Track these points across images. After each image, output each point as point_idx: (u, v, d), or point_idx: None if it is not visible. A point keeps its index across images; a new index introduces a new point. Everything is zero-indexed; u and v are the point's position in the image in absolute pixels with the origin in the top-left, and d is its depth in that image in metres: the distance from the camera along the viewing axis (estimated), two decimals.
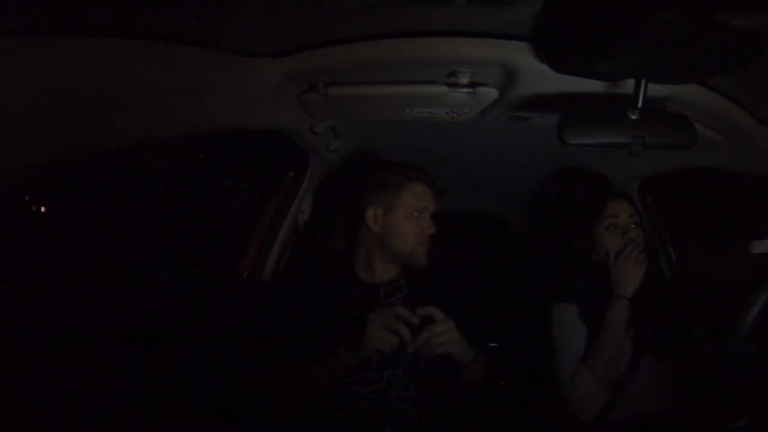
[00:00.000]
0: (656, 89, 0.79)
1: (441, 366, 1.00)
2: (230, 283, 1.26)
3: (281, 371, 0.97)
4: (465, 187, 1.81)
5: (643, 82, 0.74)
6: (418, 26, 0.72)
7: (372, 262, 1.09)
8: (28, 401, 0.69)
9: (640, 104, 0.74)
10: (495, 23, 0.70)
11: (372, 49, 0.76)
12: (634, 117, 0.75)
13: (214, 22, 0.63)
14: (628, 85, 0.78)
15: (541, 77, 0.78)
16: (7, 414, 0.65)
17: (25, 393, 0.69)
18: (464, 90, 0.85)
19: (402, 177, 1.08)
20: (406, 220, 1.05)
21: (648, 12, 0.53)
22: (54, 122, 0.55)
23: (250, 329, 1.22)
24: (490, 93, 0.87)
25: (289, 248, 1.38)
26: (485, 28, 0.72)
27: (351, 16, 0.69)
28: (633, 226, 1.13)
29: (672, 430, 0.97)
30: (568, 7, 0.62)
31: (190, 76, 0.68)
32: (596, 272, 1.15)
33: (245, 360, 1.15)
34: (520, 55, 0.75)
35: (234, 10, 0.61)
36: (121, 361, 0.84)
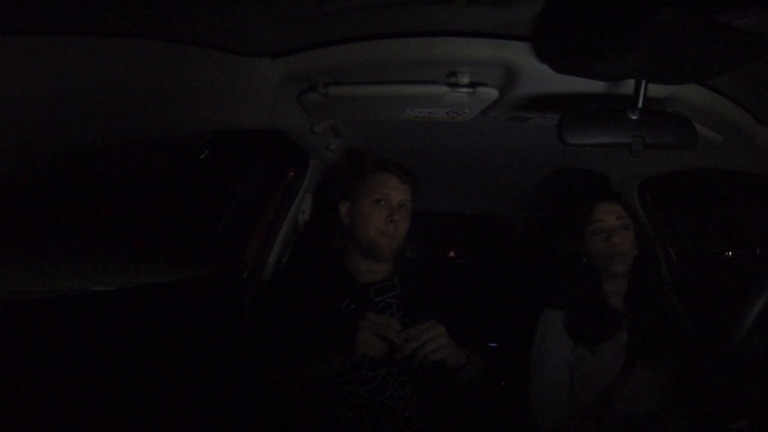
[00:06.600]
0: (656, 89, 0.79)
1: (434, 366, 1.00)
2: (230, 283, 1.26)
3: (276, 371, 0.97)
4: (465, 187, 1.81)
5: (643, 82, 0.74)
6: (418, 26, 0.72)
7: (355, 260, 1.09)
8: (28, 401, 0.69)
9: (640, 104, 0.74)
10: (495, 23, 0.70)
11: (372, 49, 0.76)
12: (634, 117, 0.75)
13: (214, 22, 0.63)
14: (628, 85, 0.78)
15: (541, 77, 0.78)
16: (7, 414, 0.65)
17: (25, 393, 0.69)
18: (464, 90, 0.85)
19: (365, 166, 1.09)
20: (367, 207, 1.04)
21: (648, 12, 0.53)
22: (54, 122, 0.55)
23: (250, 329, 1.22)
24: (490, 93, 0.87)
25: (289, 248, 1.38)
26: (485, 28, 0.71)
27: (351, 16, 0.69)
28: (620, 230, 1.10)
29: (671, 430, 0.96)
30: (568, 7, 0.62)
31: (189, 76, 0.68)
32: (585, 276, 1.14)
33: (245, 360, 1.15)
34: (520, 55, 0.75)
35: (234, 10, 0.61)
36: (120, 362, 0.84)
